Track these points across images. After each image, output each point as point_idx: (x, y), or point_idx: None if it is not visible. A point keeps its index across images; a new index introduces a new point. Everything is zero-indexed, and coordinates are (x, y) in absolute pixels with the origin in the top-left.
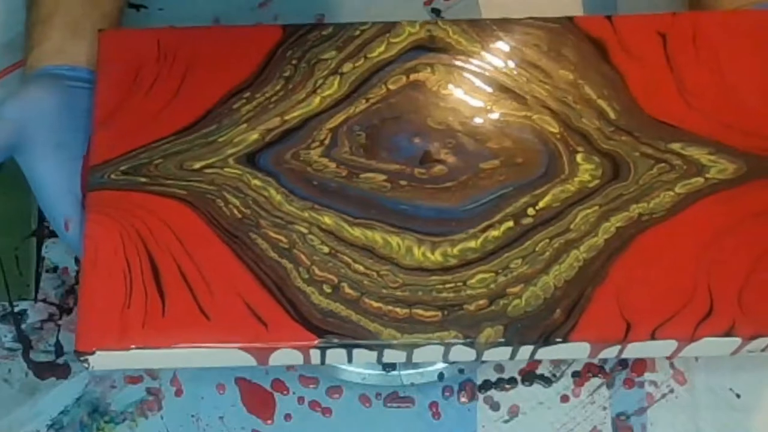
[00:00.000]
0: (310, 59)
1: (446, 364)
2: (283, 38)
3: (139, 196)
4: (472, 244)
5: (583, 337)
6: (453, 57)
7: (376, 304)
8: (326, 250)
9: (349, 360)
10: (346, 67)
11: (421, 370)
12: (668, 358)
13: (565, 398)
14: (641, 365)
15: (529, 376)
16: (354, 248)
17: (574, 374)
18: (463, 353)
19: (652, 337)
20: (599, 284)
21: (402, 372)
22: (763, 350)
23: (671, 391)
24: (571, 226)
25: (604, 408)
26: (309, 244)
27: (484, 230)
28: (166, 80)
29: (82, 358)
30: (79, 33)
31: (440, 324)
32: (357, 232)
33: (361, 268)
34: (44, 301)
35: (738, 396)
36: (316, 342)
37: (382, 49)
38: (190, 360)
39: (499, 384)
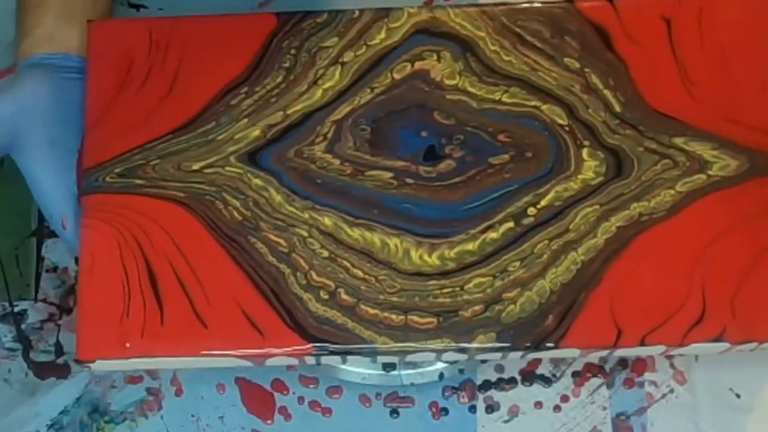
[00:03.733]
0: (310, 48)
1: (446, 364)
2: (278, 26)
3: (136, 200)
4: (470, 246)
5: (574, 344)
6: (457, 43)
7: (372, 311)
8: (325, 254)
9: (344, 361)
10: (348, 56)
11: (421, 370)
12: (660, 354)
13: (565, 398)
14: (641, 365)
15: (529, 376)
16: (353, 252)
17: (574, 374)
18: (455, 356)
19: (642, 344)
20: (594, 288)
21: (402, 372)
22: (752, 350)
23: (671, 391)
24: (571, 227)
25: (604, 408)
26: (309, 247)
27: (483, 231)
28: (159, 74)
29: (83, 366)
30: (70, 19)
31: (434, 332)
32: (356, 234)
33: (360, 273)
34: (44, 301)
35: (738, 396)
36: (310, 349)
37: (383, 35)
38: (188, 364)
39: (499, 384)
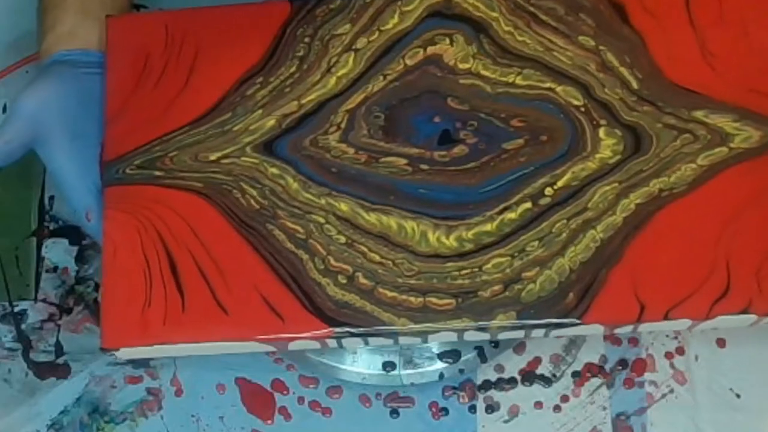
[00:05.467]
0: (323, 36)
1: (446, 364)
2: (292, 15)
3: (155, 191)
4: (488, 227)
5: (596, 320)
6: (471, 25)
7: (390, 294)
8: (343, 239)
9: (366, 343)
10: (361, 43)
11: (421, 370)
12: (686, 329)
13: (565, 398)
14: (641, 365)
15: (529, 376)
16: (370, 236)
17: (574, 374)
18: (476, 336)
19: (666, 318)
20: (614, 265)
21: (402, 372)
22: None
23: (671, 391)
24: (589, 205)
25: (604, 408)
26: (326, 233)
27: (500, 212)
28: (175, 67)
29: (109, 354)
30: (90, 16)
31: (454, 312)
32: (373, 219)
33: (377, 257)
34: (44, 301)
35: (738, 396)
36: (331, 333)
37: (396, 20)
38: (211, 350)
39: (499, 384)
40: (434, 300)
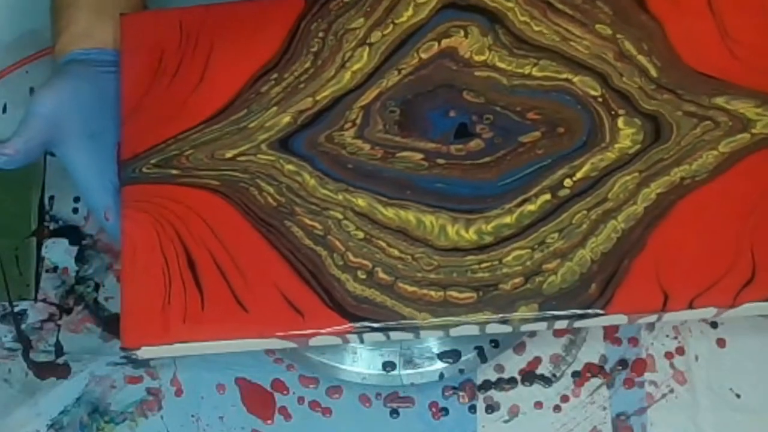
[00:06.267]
0: (337, 31)
1: (446, 364)
2: (306, 9)
3: (172, 189)
4: (507, 219)
5: (619, 311)
6: (486, 15)
7: (410, 289)
8: (361, 235)
9: (387, 338)
10: (375, 36)
11: (421, 370)
12: (712, 317)
13: (565, 398)
14: (641, 365)
15: (529, 376)
16: (388, 231)
17: (574, 374)
18: (499, 328)
19: (690, 307)
20: (637, 255)
21: (402, 372)
22: None
23: (671, 391)
24: (609, 195)
25: (604, 408)
26: (344, 230)
27: (519, 204)
28: (190, 64)
29: (130, 353)
30: (104, 14)
31: (474, 306)
32: (391, 213)
33: (396, 252)
34: (44, 301)
35: (738, 396)
36: (351, 328)
37: (410, 12)
38: (231, 347)
39: (499, 384)
40: (455, 294)
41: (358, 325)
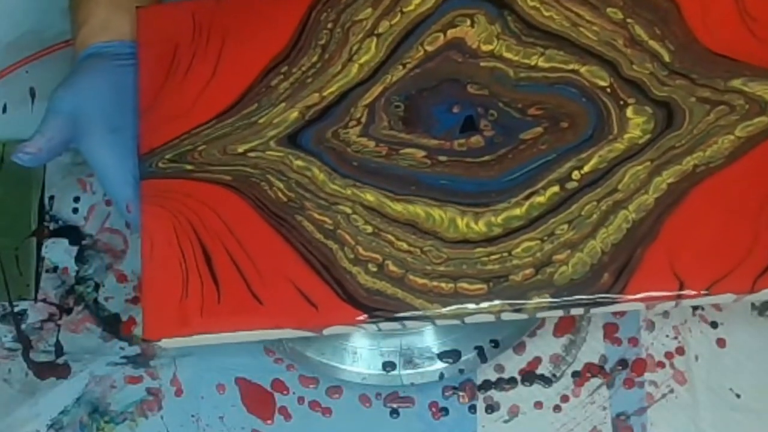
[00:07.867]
0: (345, 23)
1: (446, 364)
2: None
3: (187, 184)
4: (516, 211)
5: (635, 296)
6: (493, 2)
7: (421, 281)
8: (370, 229)
9: (403, 327)
10: (383, 27)
11: (421, 370)
12: (731, 302)
13: (565, 398)
14: (641, 365)
15: (529, 376)
16: (397, 225)
17: (574, 374)
18: (514, 316)
19: (708, 293)
20: (650, 243)
21: (402, 372)
22: None
23: (671, 391)
24: (619, 186)
25: (604, 408)
26: (353, 224)
27: (528, 197)
28: (203, 58)
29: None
30: (122, 7)
31: (486, 297)
32: (399, 207)
33: (405, 246)
34: (44, 301)
35: (738, 396)
36: (364, 319)
37: (418, 0)
38: (247, 338)
39: (499, 384)
40: (465, 285)
41: (371, 317)
